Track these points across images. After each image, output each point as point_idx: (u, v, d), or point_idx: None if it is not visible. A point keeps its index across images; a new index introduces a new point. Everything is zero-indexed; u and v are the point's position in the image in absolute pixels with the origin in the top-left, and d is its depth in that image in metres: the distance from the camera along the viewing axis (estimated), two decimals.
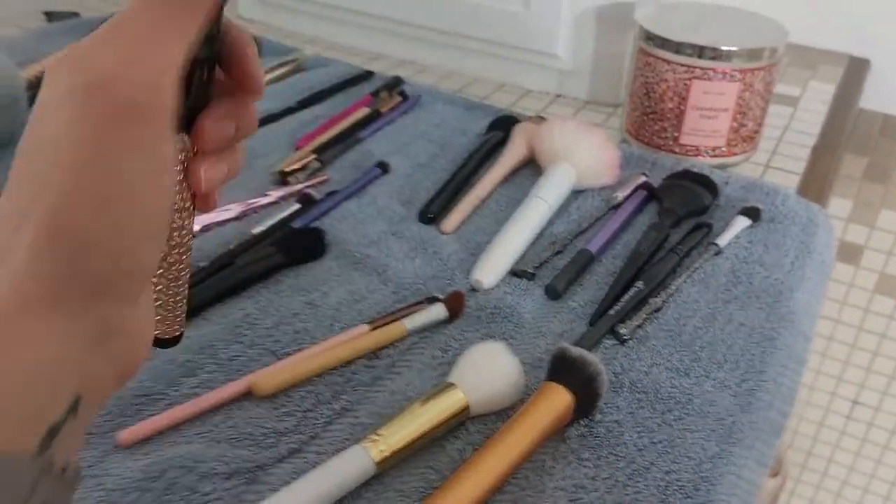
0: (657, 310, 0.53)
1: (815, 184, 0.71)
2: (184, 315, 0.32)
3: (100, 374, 0.25)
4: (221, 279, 0.53)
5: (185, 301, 0.32)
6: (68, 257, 0.24)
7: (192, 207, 0.29)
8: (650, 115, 0.71)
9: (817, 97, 0.85)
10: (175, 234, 0.29)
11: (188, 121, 0.28)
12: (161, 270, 0.30)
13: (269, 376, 0.46)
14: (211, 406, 0.45)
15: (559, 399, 0.44)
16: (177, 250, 0.29)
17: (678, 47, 0.66)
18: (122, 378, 0.27)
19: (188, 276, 0.31)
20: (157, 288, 0.30)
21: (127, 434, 0.43)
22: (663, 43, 0.67)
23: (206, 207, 0.30)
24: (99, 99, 0.24)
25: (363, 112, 0.76)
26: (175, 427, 0.44)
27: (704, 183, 0.65)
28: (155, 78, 0.24)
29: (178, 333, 0.32)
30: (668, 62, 0.67)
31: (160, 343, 0.32)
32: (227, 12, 0.27)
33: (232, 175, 0.30)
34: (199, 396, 0.45)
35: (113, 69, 0.24)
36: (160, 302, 0.30)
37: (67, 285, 0.24)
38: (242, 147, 0.30)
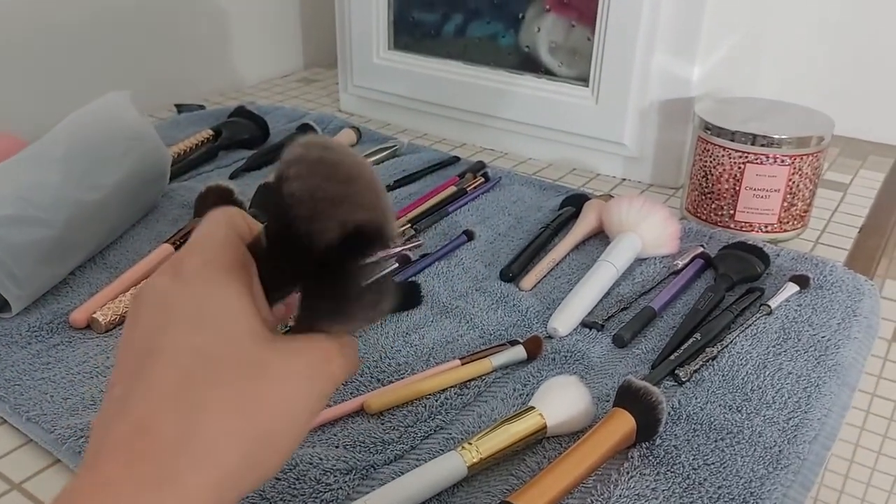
0: (713, 358, 0.60)
1: (862, 260, 0.78)
2: None
3: None
4: None
5: None
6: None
7: None
8: (708, 195, 0.80)
9: (866, 184, 0.92)
10: None
11: None
12: None
13: (378, 397, 0.55)
14: (330, 419, 0.54)
15: (624, 422, 0.51)
16: None
17: (733, 135, 0.75)
18: None
19: None
20: None
21: None
22: (720, 132, 0.76)
23: None
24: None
25: (451, 190, 0.87)
26: None
27: (757, 253, 0.72)
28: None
29: None
30: (725, 148, 0.76)
31: None
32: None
33: None
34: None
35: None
36: None
37: None
38: None
